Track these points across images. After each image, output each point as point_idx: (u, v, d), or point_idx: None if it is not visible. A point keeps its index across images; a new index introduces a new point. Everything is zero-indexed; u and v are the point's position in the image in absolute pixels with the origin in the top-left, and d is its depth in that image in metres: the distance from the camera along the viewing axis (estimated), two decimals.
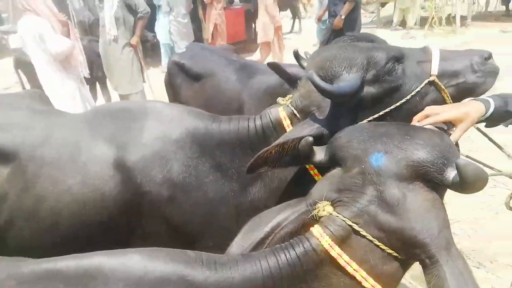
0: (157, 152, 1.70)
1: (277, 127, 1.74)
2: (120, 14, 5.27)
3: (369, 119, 1.61)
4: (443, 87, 1.62)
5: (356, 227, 1.08)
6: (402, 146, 1.14)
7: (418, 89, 1.61)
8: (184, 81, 3.10)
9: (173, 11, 8.92)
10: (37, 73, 4.29)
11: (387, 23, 13.19)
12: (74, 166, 1.70)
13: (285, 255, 1.12)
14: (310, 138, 1.40)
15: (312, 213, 1.18)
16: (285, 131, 1.68)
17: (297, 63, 2.01)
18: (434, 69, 1.61)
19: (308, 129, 1.56)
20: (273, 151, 1.48)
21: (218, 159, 1.75)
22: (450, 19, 11.45)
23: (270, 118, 1.76)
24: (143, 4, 5.48)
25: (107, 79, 5.96)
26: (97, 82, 6.21)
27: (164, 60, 9.91)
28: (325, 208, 1.15)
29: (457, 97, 1.67)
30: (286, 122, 1.72)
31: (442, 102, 1.64)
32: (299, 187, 1.75)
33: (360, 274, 1.07)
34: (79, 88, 4.51)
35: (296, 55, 1.98)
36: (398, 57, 1.63)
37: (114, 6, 5.23)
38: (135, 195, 1.67)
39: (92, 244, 1.69)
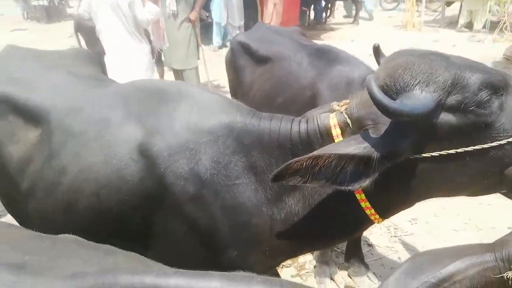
0: (186, 142, 1.51)
1: (324, 135, 1.49)
2: None
3: (437, 153, 1.29)
4: None
5: None
6: None
7: None
8: (248, 63, 2.93)
9: None
10: (106, 41, 4.29)
11: (451, 23, 12.43)
12: (99, 143, 1.58)
13: None
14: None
15: (505, 274, 0.92)
16: (333, 141, 1.44)
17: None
18: None
19: (353, 147, 1.27)
20: (304, 164, 1.26)
21: (254, 160, 1.53)
22: None
23: (318, 123, 1.51)
24: None
25: (162, 53, 5.92)
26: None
27: (216, 39, 9.87)
28: None
29: None
30: (336, 131, 1.46)
31: None
32: (343, 213, 1.52)
33: None
34: (150, 61, 4.55)
35: (376, 50, 1.69)
36: (497, 86, 1.26)
37: None
38: (158, 186, 1.50)
39: (109, 231, 1.59)
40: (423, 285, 0.92)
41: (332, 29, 12.02)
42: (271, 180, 1.31)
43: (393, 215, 1.56)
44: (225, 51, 9.65)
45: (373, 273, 2.98)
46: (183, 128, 1.54)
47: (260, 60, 2.86)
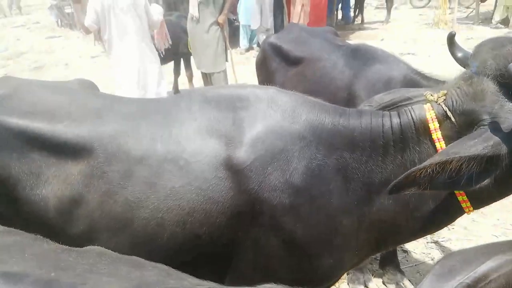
0: (278, 151, 1.41)
1: (420, 130, 1.42)
2: None
3: None
4: None
5: None
6: None
7: None
8: (280, 65, 2.89)
9: None
10: (117, 51, 4.12)
11: (486, 20, 11.96)
12: (175, 166, 1.43)
13: None
14: None
15: None
16: (430, 136, 1.38)
17: None
18: None
19: (481, 146, 1.22)
20: (429, 170, 1.20)
21: (345, 161, 1.46)
22: None
23: (412, 116, 1.43)
24: None
25: (191, 56, 5.97)
26: (181, 59, 6.26)
27: (243, 42, 9.88)
28: None
29: None
30: (434, 125, 1.39)
31: None
32: (436, 207, 1.47)
33: None
34: (160, 68, 4.47)
35: (451, 40, 1.60)
36: None
37: None
38: (251, 203, 1.40)
39: (194, 256, 1.47)
40: (457, 285, 0.87)
41: (360, 29, 11.80)
42: (388, 192, 1.26)
43: (485, 206, 1.53)
44: (252, 53, 9.70)
45: (409, 280, 2.87)
46: (272, 136, 1.44)
47: (293, 61, 2.82)
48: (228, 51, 5.73)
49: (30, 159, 1.50)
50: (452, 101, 1.37)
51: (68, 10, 14.65)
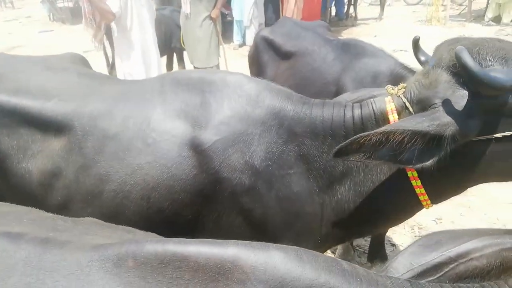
0: (240, 134, 1.48)
1: (380, 121, 1.46)
2: None
3: (509, 133, 1.27)
4: None
5: None
6: None
7: None
8: (272, 59, 2.91)
9: None
10: (134, 41, 4.20)
11: (478, 17, 12.06)
12: (143, 143, 1.51)
13: None
14: None
15: None
16: None
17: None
18: None
19: (427, 124, 1.25)
20: (373, 138, 1.24)
21: (306, 149, 1.51)
22: None
23: (373, 108, 1.48)
24: None
25: (184, 51, 5.97)
26: (174, 54, 6.25)
27: (236, 37, 9.88)
28: None
29: None
30: (393, 117, 1.43)
31: None
32: (395, 199, 1.52)
33: None
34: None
35: (416, 43, 1.65)
36: None
37: None
38: (212, 182, 1.48)
39: (157, 231, 1.55)
40: (439, 258, 0.92)
41: (354, 25, 11.84)
42: (333, 155, 1.30)
43: (443, 200, 1.56)
44: (245, 49, 9.68)
45: None
46: (235, 118, 1.50)
47: (284, 55, 2.84)
48: (221, 46, 5.73)
49: (19, 135, 1.63)
50: (411, 93, 1.42)
51: (60, 4, 14.54)
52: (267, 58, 2.95)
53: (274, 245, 0.93)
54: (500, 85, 1.19)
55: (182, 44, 5.67)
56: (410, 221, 3.61)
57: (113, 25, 4.11)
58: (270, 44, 2.94)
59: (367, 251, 3.04)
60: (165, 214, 1.51)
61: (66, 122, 1.59)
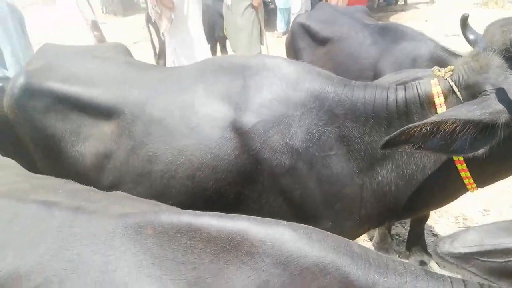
0: (280, 116, 1.52)
1: (425, 104, 1.44)
2: None
3: None
4: None
5: None
6: None
7: None
8: (308, 45, 2.89)
9: None
10: (189, 31, 4.33)
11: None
12: (187, 126, 1.59)
13: None
14: None
15: None
16: (435, 111, 1.39)
17: None
18: None
19: (480, 111, 1.22)
20: (423, 129, 1.23)
21: (347, 131, 1.52)
22: None
23: (418, 91, 1.46)
24: None
25: (227, 40, 6.05)
26: (217, 43, 6.36)
27: (280, 25, 9.82)
28: None
29: None
30: (439, 100, 1.40)
31: None
32: (439, 183, 1.49)
33: None
34: None
35: (464, 21, 1.57)
36: None
37: None
38: (254, 161, 1.53)
39: (202, 210, 1.66)
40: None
41: (403, 10, 11.32)
42: (381, 146, 1.31)
43: (489, 184, 1.54)
44: None
45: (436, 263, 2.84)
46: (275, 101, 1.55)
47: (320, 41, 2.82)
48: (264, 34, 5.74)
49: (71, 120, 1.77)
50: (459, 76, 1.38)
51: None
52: (303, 44, 2.94)
53: (285, 222, 0.97)
54: None
55: (225, 33, 5.75)
56: (455, 211, 3.47)
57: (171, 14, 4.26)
58: (307, 31, 2.92)
59: (406, 240, 2.98)
60: (209, 193, 1.58)
61: (116, 108, 1.71)
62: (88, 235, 0.99)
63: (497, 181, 1.53)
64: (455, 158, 1.41)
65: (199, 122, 1.59)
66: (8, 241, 1.03)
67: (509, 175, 1.50)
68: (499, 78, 1.26)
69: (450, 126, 1.21)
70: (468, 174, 1.43)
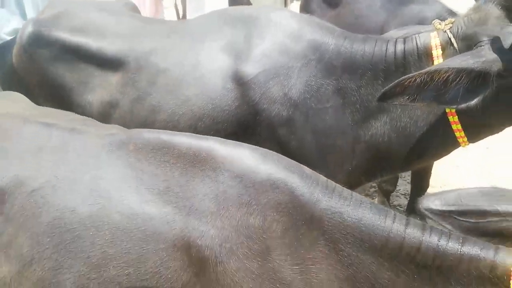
0: (280, 67, 1.56)
1: (423, 56, 1.46)
2: None
3: None
4: None
5: None
6: None
7: None
8: (319, 7, 2.87)
9: None
10: None
11: None
12: (192, 77, 1.63)
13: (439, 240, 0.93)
14: None
15: None
16: (432, 63, 1.40)
17: None
18: None
19: (472, 60, 1.24)
20: (418, 79, 1.25)
21: (344, 83, 1.55)
22: None
23: (417, 43, 1.47)
24: None
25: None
26: None
27: None
28: None
29: None
30: (437, 52, 1.42)
31: None
32: (431, 136, 1.53)
33: None
34: None
35: None
36: None
37: None
38: (252, 113, 1.58)
39: None
40: (488, 207, 0.94)
41: None
42: (377, 99, 1.36)
43: (480, 139, 1.57)
44: None
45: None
46: (277, 53, 1.58)
47: (331, 3, 2.80)
48: (289, 4, 5.64)
49: (80, 70, 1.84)
50: (458, 28, 1.39)
51: None
52: (314, 6, 2.91)
53: (246, 144, 1.11)
54: None
55: (250, 2, 5.69)
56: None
57: None
58: None
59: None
60: None
61: (122, 59, 1.78)
62: (79, 150, 1.16)
63: (487, 135, 1.55)
64: (447, 110, 1.43)
65: (203, 72, 1.64)
66: (12, 152, 1.19)
67: (500, 130, 1.51)
68: (496, 29, 1.28)
69: (444, 75, 1.23)
70: (460, 127, 1.45)
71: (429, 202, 1.00)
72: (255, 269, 0.97)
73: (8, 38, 2.18)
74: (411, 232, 0.95)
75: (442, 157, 1.72)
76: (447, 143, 1.57)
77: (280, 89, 1.55)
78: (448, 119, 1.46)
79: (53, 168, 1.14)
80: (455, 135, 1.50)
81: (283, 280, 0.97)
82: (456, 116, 1.45)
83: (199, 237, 1.00)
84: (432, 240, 0.93)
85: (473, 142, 1.54)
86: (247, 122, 1.60)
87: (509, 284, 0.85)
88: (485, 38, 1.31)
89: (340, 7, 2.74)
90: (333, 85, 1.56)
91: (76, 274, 1.02)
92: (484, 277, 0.88)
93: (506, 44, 1.25)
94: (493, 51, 1.27)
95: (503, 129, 1.52)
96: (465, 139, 1.50)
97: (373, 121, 1.57)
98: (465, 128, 1.47)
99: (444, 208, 0.98)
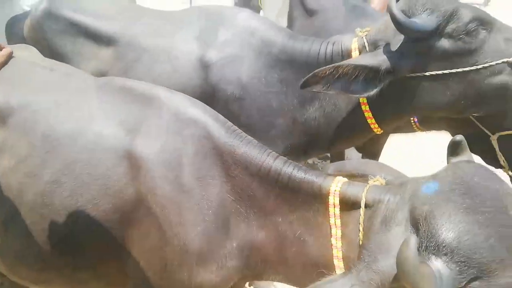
0: (237, 56, 1.95)
1: (345, 57, 1.81)
2: None
3: (431, 73, 1.59)
4: None
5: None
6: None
7: (493, 63, 1.53)
8: (300, 15, 3.12)
9: None
10: None
11: None
12: (167, 56, 2.04)
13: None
14: None
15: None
16: None
17: None
18: None
19: (367, 59, 1.62)
20: (327, 72, 1.61)
21: (286, 74, 1.93)
22: None
23: (341, 46, 1.84)
24: None
25: (261, 11, 6.30)
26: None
27: None
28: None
29: None
30: (355, 54, 1.78)
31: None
32: (349, 122, 1.90)
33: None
34: None
35: None
36: (485, 21, 1.55)
37: None
38: (212, 89, 1.97)
39: None
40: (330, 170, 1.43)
41: None
42: (300, 86, 1.72)
43: (390, 128, 1.97)
44: None
45: None
46: (235, 44, 1.99)
47: (309, 12, 3.04)
48: None
49: (79, 43, 2.30)
50: (370, 35, 1.76)
51: None
52: (296, 14, 3.19)
53: (183, 94, 1.64)
54: (416, 29, 1.51)
55: (260, 4, 6.02)
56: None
57: None
58: (301, 1, 3.18)
59: None
60: None
61: (114, 37, 2.22)
62: (72, 87, 1.65)
63: (395, 124, 1.92)
64: (361, 100, 1.79)
65: (177, 54, 2.04)
66: (25, 84, 1.68)
67: (403, 120, 1.90)
68: (390, 35, 1.64)
69: (345, 69, 1.59)
70: (371, 115, 1.82)
71: None
72: (171, 178, 1.40)
73: (28, 9, 2.66)
74: (277, 163, 1.38)
75: (362, 141, 2.11)
76: (363, 129, 1.93)
77: (235, 73, 1.94)
78: (362, 108, 1.82)
79: (52, 97, 1.61)
80: (367, 121, 1.85)
81: (187, 186, 1.40)
82: (368, 106, 1.81)
83: (139, 151, 1.44)
84: (288, 169, 1.36)
85: (384, 130, 1.90)
86: (207, 97, 1.97)
87: (327, 198, 1.25)
88: (383, 43, 1.68)
89: (314, 17, 3.04)
90: (278, 75, 1.95)
91: (54, 170, 1.48)
92: (316, 194, 1.30)
93: (393, 48, 1.62)
94: (385, 53, 1.63)
95: (405, 119, 1.92)
96: (377, 125, 1.86)
97: (308, 106, 1.95)
98: (375, 116, 1.82)
99: None
